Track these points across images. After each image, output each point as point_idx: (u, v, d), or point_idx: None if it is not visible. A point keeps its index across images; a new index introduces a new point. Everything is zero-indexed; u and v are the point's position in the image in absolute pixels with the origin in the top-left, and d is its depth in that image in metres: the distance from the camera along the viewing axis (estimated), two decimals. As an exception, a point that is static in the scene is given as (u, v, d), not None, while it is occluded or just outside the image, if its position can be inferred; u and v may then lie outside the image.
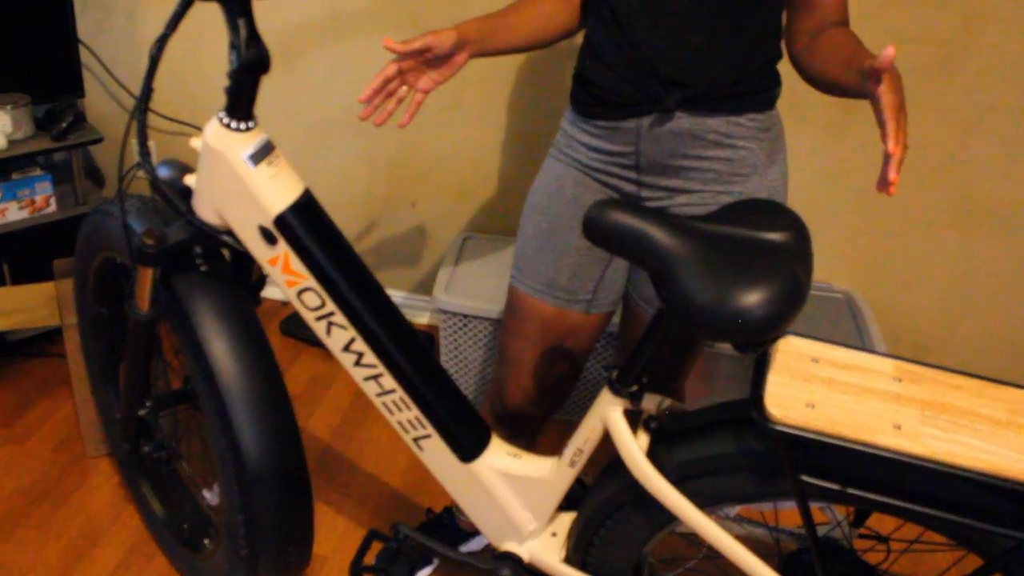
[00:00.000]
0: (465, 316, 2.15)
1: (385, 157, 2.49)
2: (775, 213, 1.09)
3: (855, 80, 1.13)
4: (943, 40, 2.10)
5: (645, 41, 1.28)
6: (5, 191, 2.26)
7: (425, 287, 2.67)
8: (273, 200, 1.21)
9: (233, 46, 1.13)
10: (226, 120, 1.19)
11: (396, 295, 2.69)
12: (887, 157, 0.96)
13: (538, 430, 1.67)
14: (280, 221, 1.22)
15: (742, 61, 1.31)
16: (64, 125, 2.30)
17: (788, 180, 1.42)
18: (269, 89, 2.47)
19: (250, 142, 1.20)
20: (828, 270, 2.38)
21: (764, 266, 1.01)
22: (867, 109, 2.18)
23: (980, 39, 2.08)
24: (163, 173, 1.37)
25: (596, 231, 1.07)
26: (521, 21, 1.38)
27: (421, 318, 2.71)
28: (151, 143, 2.60)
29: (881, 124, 0.99)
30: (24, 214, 2.31)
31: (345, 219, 2.61)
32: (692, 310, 1.01)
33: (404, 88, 1.34)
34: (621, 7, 1.28)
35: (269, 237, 1.24)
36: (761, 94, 1.35)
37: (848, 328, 2.19)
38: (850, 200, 2.29)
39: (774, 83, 1.37)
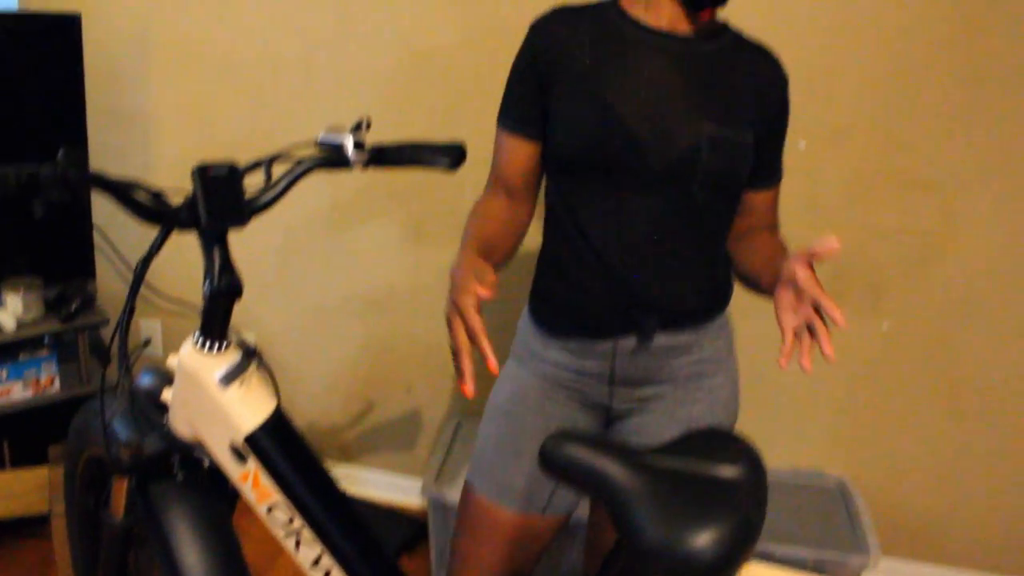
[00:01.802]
0: (454, 506, 2.13)
1: (381, 342, 2.53)
2: (729, 445, 1.10)
3: (770, 278, 1.22)
4: (924, 231, 2.14)
5: (623, 270, 1.32)
6: (11, 371, 2.31)
7: (419, 469, 2.65)
8: (244, 420, 1.24)
9: (207, 273, 1.18)
10: (200, 341, 1.23)
11: (391, 478, 2.67)
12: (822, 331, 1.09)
13: None
14: (250, 440, 1.24)
15: (711, 275, 1.38)
16: (73, 308, 2.36)
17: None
18: (270, 276, 2.54)
19: (223, 363, 1.24)
20: (819, 455, 2.36)
21: (716, 506, 1.01)
22: (854, 292, 2.21)
23: (960, 229, 2.12)
24: (145, 382, 1.40)
25: (551, 465, 1.08)
26: (493, 240, 1.38)
27: (415, 501, 2.69)
28: (156, 322, 2.67)
29: (816, 298, 1.08)
30: (28, 394, 2.35)
31: (341, 403, 2.64)
32: (644, 550, 1.00)
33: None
34: (596, 237, 1.32)
35: (240, 455, 1.25)
36: (724, 299, 1.42)
37: (840, 519, 2.15)
38: (840, 384, 2.28)
39: (731, 285, 1.44)
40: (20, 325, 2.32)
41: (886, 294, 2.21)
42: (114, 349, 1.29)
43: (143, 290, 2.45)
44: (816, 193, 2.18)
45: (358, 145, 1.23)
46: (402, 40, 2.27)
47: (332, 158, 1.24)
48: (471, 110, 2.25)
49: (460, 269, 1.14)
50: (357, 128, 1.24)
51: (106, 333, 2.71)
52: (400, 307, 2.49)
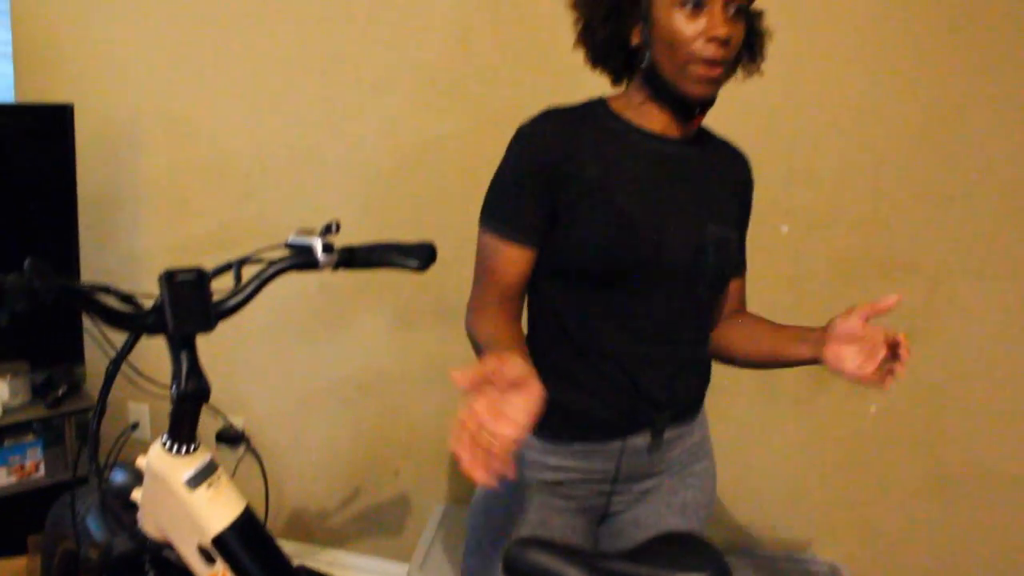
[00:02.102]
0: (439, 595, 2.11)
1: (369, 426, 2.52)
2: (697, 552, 1.09)
3: (796, 346, 1.32)
4: (909, 314, 2.15)
5: (634, 372, 1.33)
6: (-4, 458, 2.31)
7: (406, 555, 2.62)
8: (211, 521, 1.23)
9: (175, 377, 1.19)
10: (168, 444, 1.23)
11: (378, 563, 2.64)
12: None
13: None
14: (218, 542, 1.23)
15: (706, 365, 1.42)
16: (59, 393, 2.37)
17: None
18: (259, 360, 2.54)
19: (191, 465, 1.23)
20: (811, 538, 2.33)
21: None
22: (837, 380, 2.20)
23: (945, 311, 2.13)
24: (117, 479, 1.40)
25: (515, 571, 1.07)
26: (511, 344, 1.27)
27: (406, 584, 2.66)
28: (144, 406, 2.66)
29: (896, 339, 1.24)
30: (12, 479, 2.34)
31: (329, 488, 2.62)
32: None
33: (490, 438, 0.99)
34: (605, 341, 1.32)
35: (208, 556, 1.24)
36: (707, 386, 1.45)
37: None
38: (828, 470, 2.27)
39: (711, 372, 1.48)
40: (6, 410, 2.32)
41: (871, 377, 2.21)
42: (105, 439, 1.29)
43: (132, 375, 2.49)
44: (800, 276, 2.19)
45: (327, 247, 1.25)
46: (390, 132, 2.31)
47: (301, 261, 1.26)
48: (459, 202, 2.28)
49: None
50: (326, 231, 1.25)
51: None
52: (388, 392, 2.49)
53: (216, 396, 2.54)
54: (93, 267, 2.55)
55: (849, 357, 1.24)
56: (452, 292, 2.34)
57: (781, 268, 2.18)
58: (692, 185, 1.34)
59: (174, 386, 1.19)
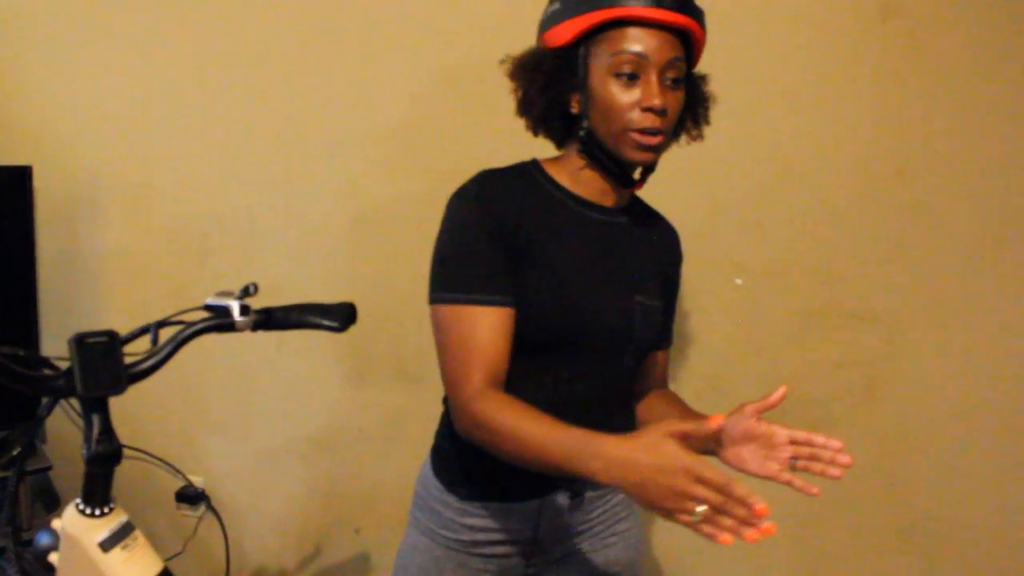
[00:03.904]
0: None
1: (329, 484, 2.51)
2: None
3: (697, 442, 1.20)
4: (867, 362, 2.15)
5: None
6: (-52, 519, 2.28)
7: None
8: (124, 584, 1.22)
9: (86, 439, 1.19)
10: (81, 506, 1.23)
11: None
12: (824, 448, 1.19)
13: None
14: (132, 605, 1.22)
15: (628, 430, 1.39)
16: (13, 454, 2.35)
17: None
18: (218, 418, 2.54)
19: (104, 527, 1.23)
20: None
21: None
22: (800, 426, 2.18)
23: (904, 360, 2.13)
24: (41, 541, 1.39)
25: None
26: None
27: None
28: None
29: (805, 440, 1.20)
30: (-36, 541, 2.32)
31: (290, 546, 2.60)
32: None
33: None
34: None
35: (123, 619, 1.23)
36: None
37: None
38: (793, 522, 2.25)
39: None
40: (-41, 472, 2.31)
41: (833, 428, 2.20)
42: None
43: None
44: (756, 328, 2.20)
45: (244, 309, 1.26)
46: (346, 192, 2.34)
47: (219, 322, 1.26)
48: (415, 261, 2.26)
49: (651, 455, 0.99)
50: (244, 293, 1.26)
51: (52, 475, 2.70)
52: (347, 449, 2.48)
53: (176, 455, 2.55)
54: (54, 328, 2.55)
55: (749, 457, 1.22)
56: (410, 350, 2.35)
57: (737, 321, 2.19)
58: (621, 254, 1.35)
59: (86, 448, 1.19)
